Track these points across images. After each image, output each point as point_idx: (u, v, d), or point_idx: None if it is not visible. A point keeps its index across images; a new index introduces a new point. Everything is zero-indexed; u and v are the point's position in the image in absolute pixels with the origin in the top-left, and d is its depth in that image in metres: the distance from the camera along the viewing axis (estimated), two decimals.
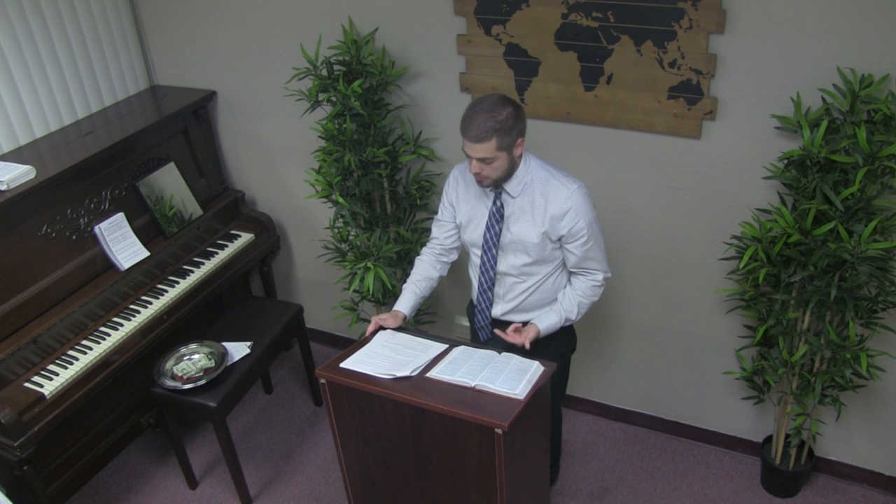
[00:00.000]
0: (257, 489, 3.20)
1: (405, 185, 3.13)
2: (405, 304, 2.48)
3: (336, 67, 2.94)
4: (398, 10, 2.89)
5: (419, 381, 2.13)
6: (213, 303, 3.55)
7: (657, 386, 3.23)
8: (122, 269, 3.05)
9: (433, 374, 2.15)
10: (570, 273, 2.46)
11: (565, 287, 2.47)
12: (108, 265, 3.06)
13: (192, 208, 3.40)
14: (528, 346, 2.36)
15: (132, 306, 3.05)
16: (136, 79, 3.53)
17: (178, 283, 3.19)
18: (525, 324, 2.45)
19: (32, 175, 2.79)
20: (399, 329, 2.41)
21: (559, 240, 2.34)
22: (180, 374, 2.92)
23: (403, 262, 3.23)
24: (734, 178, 2.65)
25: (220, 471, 3.29)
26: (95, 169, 3.04)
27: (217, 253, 3.39)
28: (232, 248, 3.44)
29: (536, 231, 2.32)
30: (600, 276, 2.43)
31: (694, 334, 3.02)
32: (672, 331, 3.06)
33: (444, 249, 2.56)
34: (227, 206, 3.57)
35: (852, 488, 3.02)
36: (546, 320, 2.41)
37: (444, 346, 2.30)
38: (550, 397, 2.34)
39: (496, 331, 2.44)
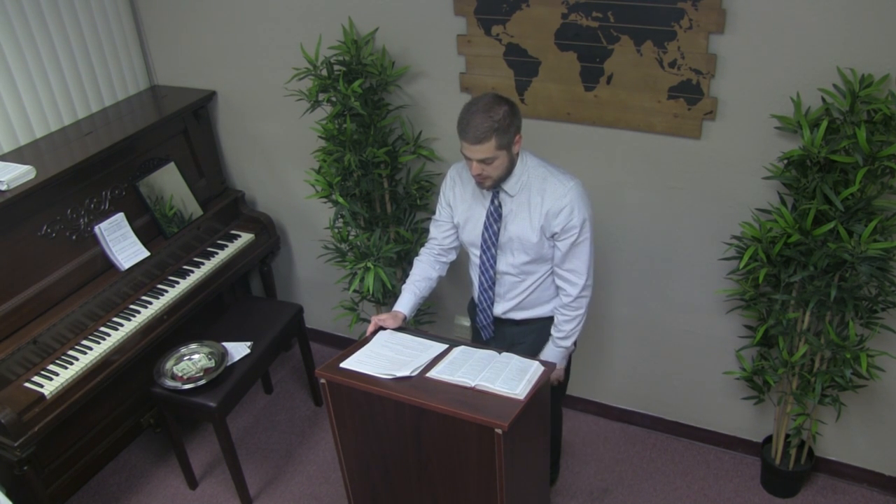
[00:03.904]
0: (257, 489, 3.20)
1: (405, 185, 3.13)
2: (405, 304, 2.48)
3: (336, 67, 2.93)
4: (398, 10, 2.89)
5: (419, 381, 2.13)
6: (213, 303, 3.55)
7: (657, 386, 3.23)
8: (122, 269, 3.05)
9: (433, 374, 2.15)
10: (555, 277, 2.44)
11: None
12: (108, 265, 3.06)
13: (192, 208, 3.40)
14: (562, 378, 2.62)
15: (132, 306, 3.05)
16: (136, 79, 3.53)
17: (178, 283, 3.19)
18: (521, 322, 2.52)
19: (32, 175, 2.79)
20: (399, 329, 2.41)
21: (552, 237, 2.34)
22: (180, 374, 2.92)
23: (403, 262, 3.23)
24: (734, 178, 2.65)
25: (220, 471, 3.29)
26: (95, 169, 3.04)
27: (217, 253, 3.39)
28: (232, 248, 3.44)
29: (534, 229, 2.32)
30: (574, 291, 2.39)
31: (694, 334, 3.02)
32: (672, 331, 3.06)
33: (443, 249, 2.56)
34: (227, 206, 3.57)
35: (852, 488, 3.02)
36: (552, 355, 2.49)
37: (444, 346, 2.30)
38: (550, 397, 2.34)
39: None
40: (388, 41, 2.97)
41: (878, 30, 2.23)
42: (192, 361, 2.99)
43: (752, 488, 3.05)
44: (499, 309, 2.52)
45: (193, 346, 3.03)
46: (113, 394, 3.19)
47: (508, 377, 2.10)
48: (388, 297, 3.23)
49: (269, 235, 3.61)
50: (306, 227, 3.68)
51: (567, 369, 2.69)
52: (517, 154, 2.28)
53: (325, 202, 3.11)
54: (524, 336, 2.55)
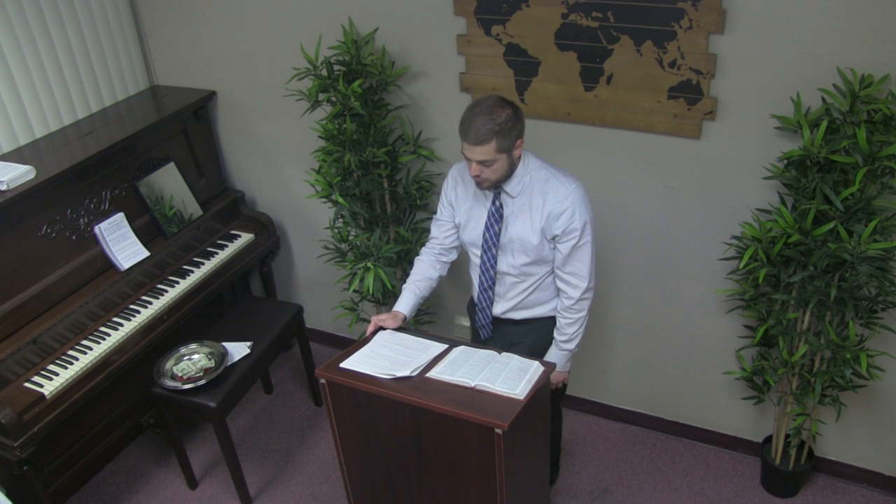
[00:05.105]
0: (257, 489, 3.20)
1: (405, 185, 3.13)
2: (405, 304, 2.48)
3: (336, 67, 2.93)
4: (398, 10, 2.89)
5: (419, 381, 2.13)
6: (213, 303, 3.55)
7: (657, 386, 3.23)
8: (122, 269, 3.05)
9: (433, 374, 2.15)
10: (556, 280, 2.44)
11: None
12: (108, 265, 3.06)
13: (192, 208, 3.40)
14: (566, 381, 2.63)
15: (132, 306, 3.05)
16: (136, 79, 3.53)
17: (178, 283, 3.19)
18: (521, 322, 2.52)
19: (32, 175, 2.79)
20: (399, 329, 2.41)
21: (553, 238, 2.34)
22: (180, 374, 2.92)
23: (403, 262, 3.23)
24: (734, 178, 2.65)
25: (220, 471, 3.29)
26: (95, 169, 3.04)
27: (217, 253, 3.39)
28: (232, 248, 3.44)
29: (535, 230, 2.32)
30: (576, 294, 2.40)
31: (694, 334, 3.02)
32: (672, 331, 3.06)
33: (444, 249, 2.56)
34: (227, 206, 3.57)
35: (852, 488, 3.02)
36: (556, 359, 2.49)
37: (444, 346, 2.30)
38: (550, 397, 2.34)
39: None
40: (388, 41, 2.97)
41: (878, 30, 2.23)
42: (192, 361, 2.99)
43: (752, 488, 3.05)
44: (498, 309, 2.52)
45: (193, 346, 3.03)
46: (113, 394, 3.19)
47: (508, 377, 2.10)
48: (388, 297, 3.23)
49: (269, 235, 3.61)
50: (306, 227, 3.68)
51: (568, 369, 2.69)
52: (518, 158, 2.28)
53: (325, 202, 3.11)
54: (523, 336, 2.55)
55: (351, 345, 2.34)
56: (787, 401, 2.79)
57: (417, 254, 2.63)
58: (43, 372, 2.74)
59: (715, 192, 2.70)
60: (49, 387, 2.67)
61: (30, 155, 3.00)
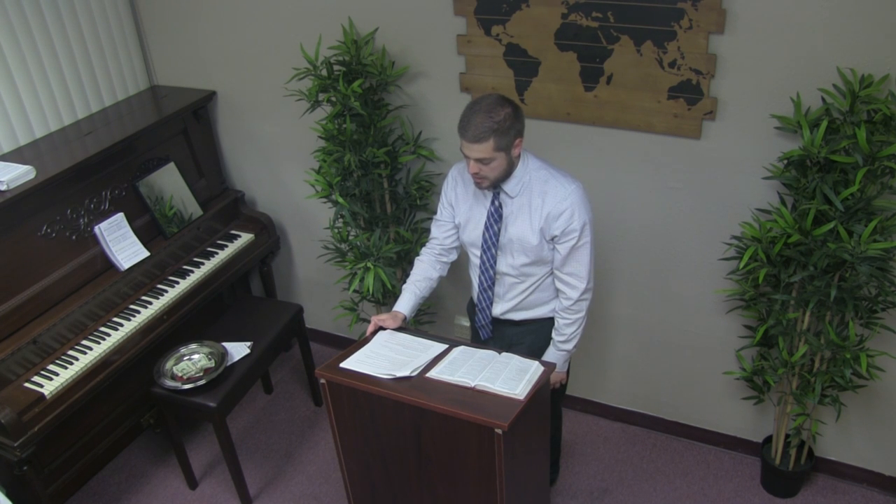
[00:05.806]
0: (257, 489, 3.20)
1: (405, 185, 3.13)
2: (405, 304, 2.48)
3: (336, 67, 2.94)
4: (398, 10, 2.89)
5: (419, 381, 2.13)
6: (213, 303, 3.55)
7: (657, 386, 3.23)
8: (122, 269, 3.05)
9: (433, 374, 2.15)
10: (555, 280, 2.43)
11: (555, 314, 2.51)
12: (108, 265, 3.06)
13: (192, 208, 3.40)
14: (564, 381, 2.62)
15: (132, 306, 3.05)
16: (136, 79, 3.53)
17: (178, 283, 3.19)
18: (520, 322, 2.52)
19: (32, 175, 2.79)
20: (399, 329, 2.41)
21: (552, 239, 2.34)
22: (180, 374, 2.92)
23: (403, 262, 3.23)
24: (734, 178, 2.65)
25: (220, 471, 3.29)
26: (95, 169, 3.04)
27: (217, 253, 3.39)
28: (232, 248, 3.44)
29: (534, 231, 2.32)
30: (574, 294, 2.39)
31: (694, 334, 3.02)
32: (672, 331, 3.06)
33: (444, 249, 2.56)
34: (226, 207, 3.57)
35: (852, 488, 3.02)
36: (554, 359, 2.48)
37: (444, 346, 2.30)
38: (550, 397, 2.34)
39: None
40: (388, 41, 2.97)
41: (878, 30, 2.23)
42: (192, 361, 2.99)
43: (752, 488, 3.05)
44: (498, 309, 2.52)
45: (193, 346, 3.03)
46: (113, 394, 3.19)
47: (508, 377, 2.10)
48: (388, 297, 3.23)
49: (269, 235, 3.61)
50: (306, 227, 3.68)
51: (567, 369, 2.69)
52: (517, 157, 2.28)
53: (325, 202, 3.11)
54: (523, 336, 2.55)
55: (351, 345, 2.34)
56: (787, 401, 2.79)
57: (417, 254, 2.62)
58: (43, 372, 2.74)
59: (715, 192, 2.70)
60: (49, 387, 2.67)
61: (30, 155, 3.00)
